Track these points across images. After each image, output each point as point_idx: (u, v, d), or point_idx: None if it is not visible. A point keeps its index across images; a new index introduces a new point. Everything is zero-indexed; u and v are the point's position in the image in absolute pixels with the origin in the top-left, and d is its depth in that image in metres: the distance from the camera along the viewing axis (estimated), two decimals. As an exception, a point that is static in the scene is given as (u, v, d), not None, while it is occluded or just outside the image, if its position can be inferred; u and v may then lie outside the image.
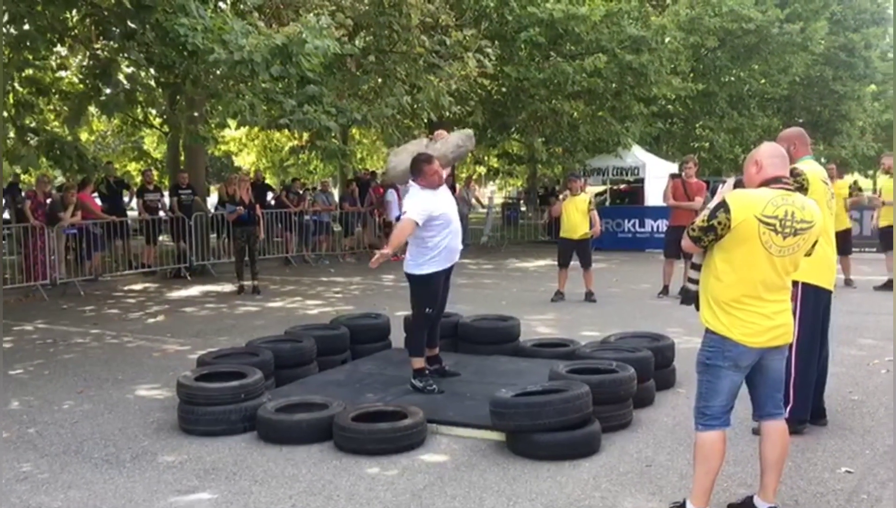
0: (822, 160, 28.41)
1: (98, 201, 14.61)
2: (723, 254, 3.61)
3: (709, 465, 3.69)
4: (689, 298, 3.94)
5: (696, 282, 3.84)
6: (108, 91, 11.47)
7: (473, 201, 22.10)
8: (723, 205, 3.56)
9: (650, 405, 5.76)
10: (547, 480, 4.41)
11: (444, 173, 5.98)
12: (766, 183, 3.67)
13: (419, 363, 5.91)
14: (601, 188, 23.00)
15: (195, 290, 12.83)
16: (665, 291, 11.12)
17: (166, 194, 16.56)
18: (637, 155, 20.50)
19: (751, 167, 3.79)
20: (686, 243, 3.74)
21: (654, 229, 18.92)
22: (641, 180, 20.42)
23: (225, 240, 15.83)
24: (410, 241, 5.88)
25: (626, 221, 19.32)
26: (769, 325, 3.64)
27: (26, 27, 10.55)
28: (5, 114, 10.80)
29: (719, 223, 3.55)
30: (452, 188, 21.23)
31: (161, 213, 15.17)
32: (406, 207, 5.77)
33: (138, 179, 19.34)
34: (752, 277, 3.58)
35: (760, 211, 3.54)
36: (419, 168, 5.82)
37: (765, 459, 3.82)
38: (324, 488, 4.36)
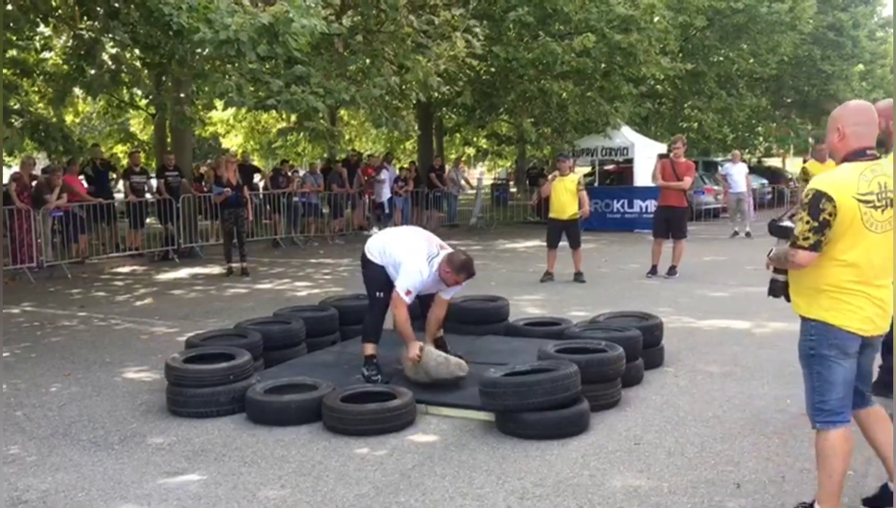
0: (811, 140, 28.54)
1: (85, 184, 14.47)
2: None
3: (832, 466, 3.40)
4: (777, 289, 3.72)
5: (784, 272, 3.60)
6: (92, 72, 11.37)
7: (462, 182, 22.07)
8: (822, 195, 3.27)
9: (639, 384, 5.78)
10: (536, 459, 4.42)
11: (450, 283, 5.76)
12: (849, 157, 3.38)
13: (369, 349, 5.73)
14: (588, 169, 22.99)
15: (183, 272, 12.78)
16: (654, 270, 11.15)
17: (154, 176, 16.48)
18: (626, 135, 20.49)
19: (833, 135, 3.47)
20: (803, 256, 3.32)
21: (643, 210, 18.96)
22: (630, 161, 20.43)
23: (213, 223, 15.77)
24: (381, 256, 5.78)
25: (615, 201, 19.35)
26: (876, 312, 3.38)
27: (9, 7, 10.42)
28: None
29: (829, 214, 3.26)
30: (441, 169, 21.23)
31: (147, 195, 15.07)
32: (400, 280, 5.58)
33: (125, 162, 19.24)
34: (859, 260, 3.33)
35: (856, 191, 3.29)
36: (461, 269, 5.61)
37: (880, 444, 3.56)
38: (313, 468, 4.36)
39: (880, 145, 4.04)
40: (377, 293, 5.79)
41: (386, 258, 5.76)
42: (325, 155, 20.83)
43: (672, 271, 11.06)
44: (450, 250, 5.83)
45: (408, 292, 5.56)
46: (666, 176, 11.05)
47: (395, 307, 5.58)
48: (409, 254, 5.65)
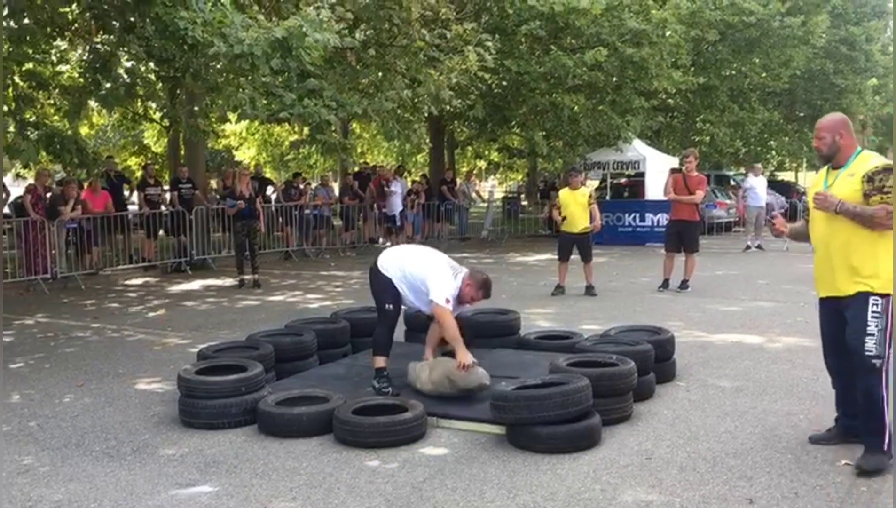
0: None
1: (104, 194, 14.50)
2: None
3: None
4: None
5: None
6: (108, 85, 11.46)
7: (473, 195, 22.09)
8: None
9: (650, 398, 5.76)
10: (547, 473, 4.41)
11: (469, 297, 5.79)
12: None
13: (380, 361, 5.71)
14: (596, 183, 22.96)
15: (196, 284, 12.84)
16: (665, 284, 11.12)
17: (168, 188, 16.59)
18: (638, 149, 20.48)
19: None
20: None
21: (655, 223, 18.93)
22: (642, 174, 20.40)
23: (225, 235, 15.84)
24: (397, 273, 5.77)
25: (626, 215, 19.32)
26: None
27: (26, 21, 10.54)
28: (5, 108, 10.79)
29: None
30: (453, 182, 21.27)
31: (162, 207, 15.17)
32: (437, 291, 5.57)
33: (139, 174, 19.35)
34: None
35: None
36: (482, 286, 5.70)
37: None
38: (324, 481, 4.36)
39: (827, 161, 4.31)
40: (387, 306, 5.78)
41: (409, 280, 5.71)
42: (351, 169, 20.87)
43: (684, 285, 11.03)
44: (468, 268, 5.88)
45: (447, 300, 5.55)
46: (678, 190, 11.02)
47: (442, 317, 5.54)
48: (434, 268, 5.67)
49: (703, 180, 11.32)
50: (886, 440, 4.28)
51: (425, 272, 5.65)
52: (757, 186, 17.55)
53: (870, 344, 4.25)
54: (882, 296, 4.26)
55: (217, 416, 5.24)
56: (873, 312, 4.25)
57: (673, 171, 11.39)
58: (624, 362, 5.37)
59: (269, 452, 4.82)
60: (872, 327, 4.25)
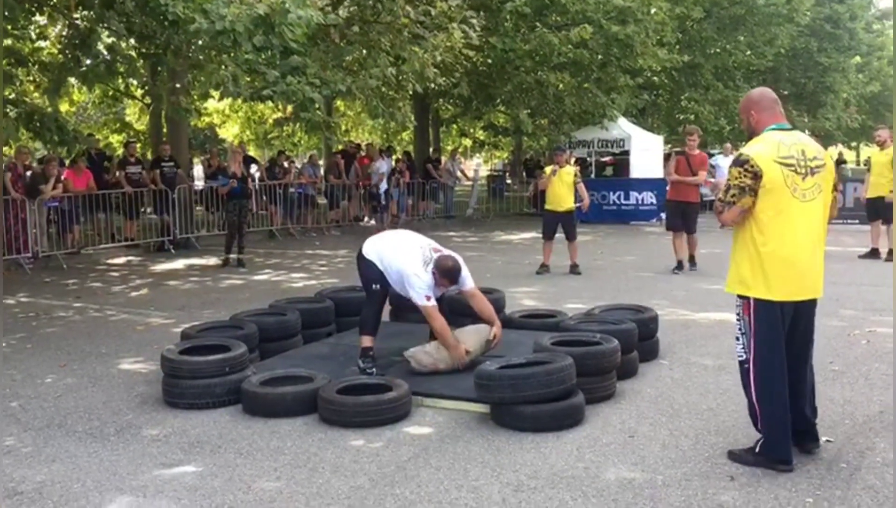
0: (806, 132, 28.57)
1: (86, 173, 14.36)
2: None
3: None
4: None
5: None
6: (88, 62, 11.33)
7: (459, 173, 22.05)
8: None
9: (634, 376, 5.79)
10: (531, 451, 4.44)
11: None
12: None
13: (366, 341, 5.75)
14: (573, 168, 22.94)
15: (179, 263, 12.77)
16: (679, 266, 10.86)
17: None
18: (623, 127, 20.50)
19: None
20: None
21: (640, 202, 18.99)
22: (627, 152, 20.43)
23: (213, 214, 15.77)
24: (379, 262, 5.84)
25: (611, 193, 19.35)
26: None
27: (4, -4, 10.37)
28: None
29: None
30: (438, 160, 21.22)
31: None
32: (416, 292, 5.64)
33: (121, 152, 19.18)
34: None
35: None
36: (445, 274, 5.71)
37: None
38: (309, 460, 4.37)
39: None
40: (374, 286, 5.84)
41: (387, 270, 5.81)
42: (335, 147, 20.76)
43: (692, 262, 10.90)
44: (443, 252, 5.89)
45: (428, 297, 5.62)
46: (681, 171, 10.80)
47: (427, 315, 5.65)
48: (405, 262, 5.72)
49: (706, 159, 11.21)
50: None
51: (402, 267, 5.73)
52: (724, 165, 17.61)
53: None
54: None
55: (201, 396, 5.23)
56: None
57: (676, 153, 11.27)
58: (607, 340, 5.39)
59: (254, 432, 4.82)
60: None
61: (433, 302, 5.65)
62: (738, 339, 4.22)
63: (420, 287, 5.62)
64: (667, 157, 23.15)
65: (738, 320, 4.22)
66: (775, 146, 4.00)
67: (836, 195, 4.28)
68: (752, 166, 3.95)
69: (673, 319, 7.70)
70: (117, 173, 14.91)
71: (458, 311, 6.98)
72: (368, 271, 5.88)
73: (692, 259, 10.97)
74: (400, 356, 5.84)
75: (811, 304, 4.15)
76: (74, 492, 4.01)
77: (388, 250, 5.88)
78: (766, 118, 4.16)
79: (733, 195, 4.01)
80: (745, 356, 4.16)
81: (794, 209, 3.97)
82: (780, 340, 4.07)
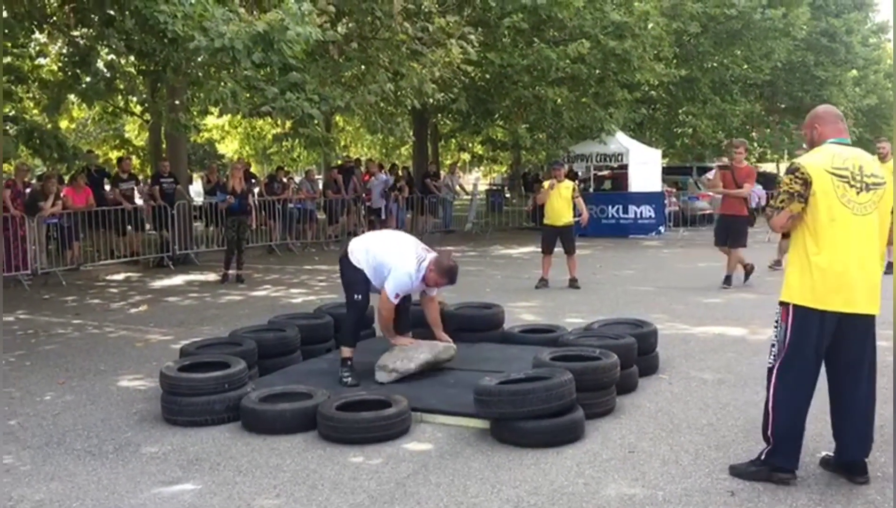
0: (805, 145, 28.64)
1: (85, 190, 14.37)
2: None
3: None
4: None
5: None
6: (87, 79, 11.37)
7: (457, 188, 22.09)
8: None
9: (633, 391, 5.79)
10: (531, 467, 4.43)
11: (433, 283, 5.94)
12: None
13: (346, 352, 5.88)
14: (571, 182, 23.02)
15: (178, 279, 12.77)
16: (728, 281, 10.61)
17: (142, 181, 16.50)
18: (621, 141, 20.55)
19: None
20: None
21: (638, 215, 19.03)
22: (625, 166, 20.48)
23: (212, 229, 15.80)
24: (365, 259, 5.93)
25: (609, 207, 19.39)
26: None
27: (4, 14, 10.42)
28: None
29: None
30: (437, 175, 21.26)
31: (138, 200, 15.00)
32: (390, 283, 5.76)
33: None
34: None
35: None
36: (445, 273, 5.82)
37: None
38: (308, 477, 4.36)
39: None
40: (355, 296, 5.94)
41: (370, 261, 5.88)
42: (334, 163, 20.78)
43: (728, 281, 10.61)
44: (435, 253, 5.97)
45: (396, 296, 5.77)
46: (726, 184, 10.53)
47: (382, 307, 5.80)
48: (398, 258, 5.80)
49: (752, 173, 10.89)
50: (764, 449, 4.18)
51: (389, 260, 5.81)
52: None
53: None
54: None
55: (200, 413, 5.22)
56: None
57: (720, 167, 11.07)
58: (607, 355, 5.39)
59: (253, 449, 4.81)
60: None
61: (397, 300, 5.80)
62: (772, 346, 4.16)
63: (399, 285, 5.73)
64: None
65: (775, 326, 4.16)
66: (830, 157, 4.02)
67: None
68: (802, 174, 3.99)
69: (672, 333, 7.70)
70: (107, 189, 14.97)
71: (457, 326, 7.00)
72: (353, 275, 5.95)
73: (728, 279, 10.59)
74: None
75: (863, 319, 3.99)
76: (73, 511, 4.00)
77: (379, 245, 5.97)
78: (828, 132, 4.18)
79: (782, 201, 4.05)
80: (773, 364, 4.11)
81: (848, 221, 3.94)
82: (813, 351, 4.01)
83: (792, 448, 4.07)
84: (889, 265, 11.31)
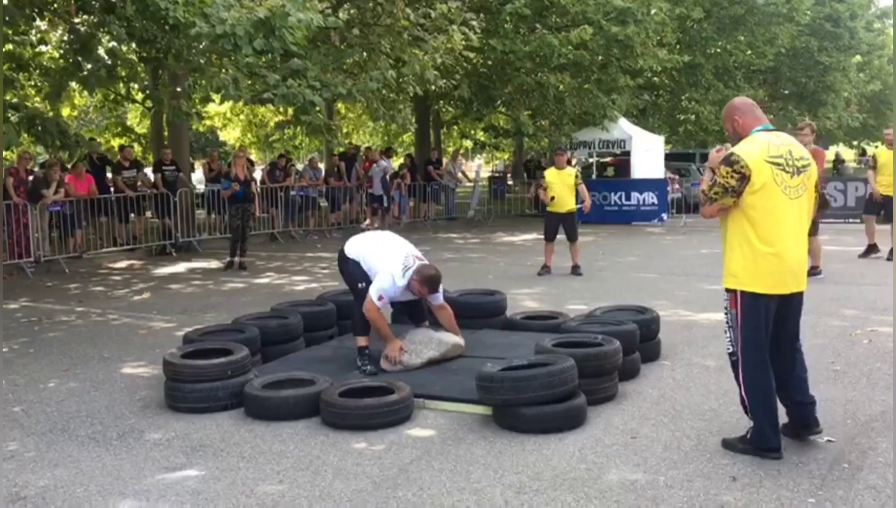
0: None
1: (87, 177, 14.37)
2: None
3: None
4: None
5: None
6: (88, 66, 11.35)
7: (460, 175, 22.06)
8: None
9: (635, 377, 5.80)
10: (533, 453, 4.44)
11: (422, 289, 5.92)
12: None
13: (361, 341, 5.91)
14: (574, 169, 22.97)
15: (181, 267, 12.79)
16: (814, 270, 9.49)
17: (148, 169, 16.48)
18: (623, 128, 20.50)
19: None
20: None
21: (641, 202, 19.00)
22: (628, 153, 20.43)
23: (214, 217, 15.80)
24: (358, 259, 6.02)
25: (612, 194, 19.35)
26: None
27: (5, 1, 10.40)
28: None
29: None
30: (439, 162, 21.22)
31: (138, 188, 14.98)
32: (374, 287, 5.76)
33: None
34: None
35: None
36: (425, 282, 5.81)
37: None
38: (311, 463, 4.38)
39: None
40: (360, 285, 5.96)
41: (363, 263, 5.99)
42: (336, 150, 20.76)
43: (814, 271, 9.31)
44: (425, 261, 6.00)
45: (380, 298, 5.77)
46: None
47: (366, 310, 5.77)
48: (385, 262, 5.86)
49: (823, 155, 10.16)
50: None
51: (377, 263, 5.89)
52: None
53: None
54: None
55: (203, 400, 5.24)
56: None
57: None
58: (609, 342, 5.40)
59: (256, 435, 4.82)
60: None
61: (382, 303, 5.81)
62: (725, 332, 4.33)
63: (381, 288, 5.74)
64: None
65: (725, 312, 4.31)
66: (765, 146, 4.13)
67: (817, 194, 4.41)
68: (741, 168, 4.06)
69: (674, 320, 7.70)
70: (109, 177, 14.97)
71: (460, 313, 7.00)
72: (354, 269, 6.02)
73: (814, 269, 9.39)
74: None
75: (798, 296, 4.28)
76: (77, 497, 4.02)
77: (371, 251, 6.02)
78: (749, 121, 4.31)
79: (716, 193, 4.14)
80: (732, 349, 4.29)
81: (784, 207, 4.11)
82: (765, 333, 4.20)
83: (770, 425, 4.22)
84: (891, 251, 11.32)
